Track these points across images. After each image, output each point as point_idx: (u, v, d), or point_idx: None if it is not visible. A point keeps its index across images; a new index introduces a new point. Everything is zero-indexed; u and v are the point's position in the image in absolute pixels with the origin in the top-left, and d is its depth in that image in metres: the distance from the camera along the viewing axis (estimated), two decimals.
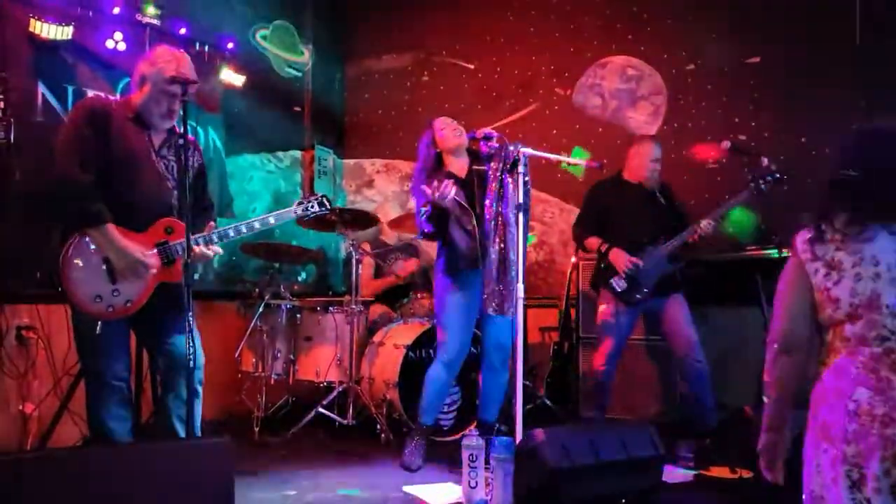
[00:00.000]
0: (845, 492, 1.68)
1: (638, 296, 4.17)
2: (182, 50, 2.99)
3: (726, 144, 4.29)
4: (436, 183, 3.46)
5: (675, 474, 3.53)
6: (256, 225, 3.05)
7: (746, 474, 3.28)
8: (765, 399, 1.97)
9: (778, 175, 4.01)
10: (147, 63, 2.89)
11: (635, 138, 4.56)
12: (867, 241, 1.77)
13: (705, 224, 4.07)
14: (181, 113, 2.79)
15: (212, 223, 3.03)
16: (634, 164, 4.36)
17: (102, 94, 4.25)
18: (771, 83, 4.97)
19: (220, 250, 2.98)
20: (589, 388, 4.43)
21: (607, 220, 4.34)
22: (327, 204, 3.24)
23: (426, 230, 3.69)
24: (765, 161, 4.17)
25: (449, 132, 3.81)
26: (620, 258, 4.16)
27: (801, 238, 1.88)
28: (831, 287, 1.79)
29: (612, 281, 4.20)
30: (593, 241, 4.32)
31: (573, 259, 5.04)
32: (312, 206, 3.20)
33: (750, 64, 5.05)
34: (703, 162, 5.09)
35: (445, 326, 3.76)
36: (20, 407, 3.81)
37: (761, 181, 4.01)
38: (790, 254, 1.93)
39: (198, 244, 2.88)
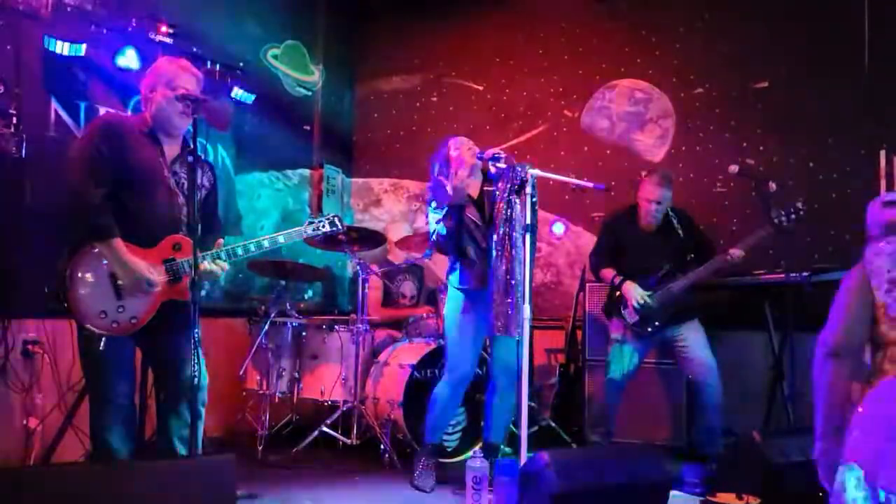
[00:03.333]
0: None
1: (650, 328, 4.15)
2: (184, 59, 3.01)
3: (734, 169, 4.27)
4: (452, 170, 3.47)
5: (680, 499, 3.50)
6: (266, 243, 3.01)
7: (753, 500, 3.24)
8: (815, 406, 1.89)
9: (802, 212, 3.91)
10: (155, 75, 2.92)
11: (646, 175, 4.39)
12: None
13: (737, 254, 3.98)
14: (191, 128, 2.81)
15: (220, 240, 3.03)
16: (639, 204, 4.27)
17: (113, 111, 4.28)
18: (779, 108, 4.98)
19: (226, 266, 2.95)
20: (594, 413, 4.39)
21: (622, 252, 4.33)
22: (339, 224, 3.21)
23: (440, 239, 3.66)
24: (772, 186, 4.15)
25: (464, 152, 3.78)
26: (633, 293, 4.15)
27: (874, 251, 1.83)
28: (891, 304, 1.75)
29: (623, 313, 4.19)
30: (607, 273, 4.31)
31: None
32: (323, 226, 3.17)
33: (758, 88, 5.06)
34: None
35: (454, 344, 3.75)
36: (24, 421, 3.80)
37: (784, 218, 3.92)
38: (859, 262, 1.87)
39: (205, 261, 2.87)
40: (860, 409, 1.79)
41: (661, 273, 4.16)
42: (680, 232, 4.25)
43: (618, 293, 4.24)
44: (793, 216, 3.92)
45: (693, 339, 4.14)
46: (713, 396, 4.05)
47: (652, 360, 4.56)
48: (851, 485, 1.72)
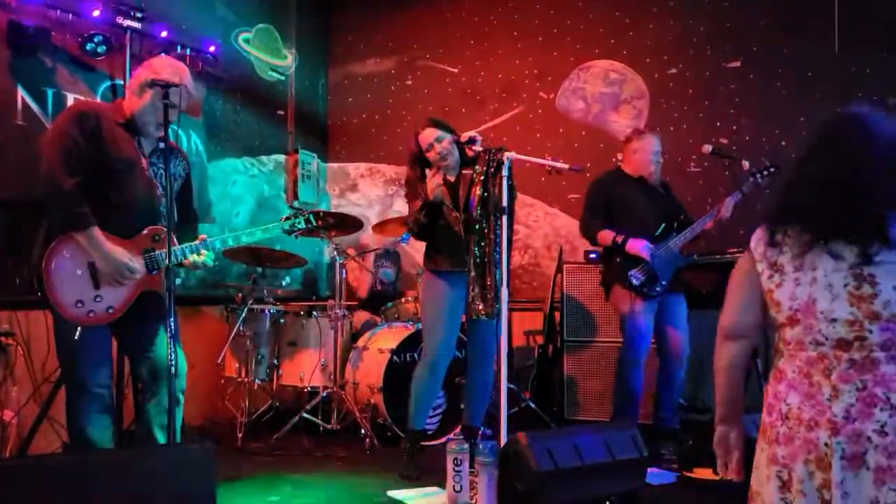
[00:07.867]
0: (776, 492, 1.73)
1: (657, 288, 4.01)
2: (181, 62, 2.99)
3: (707, 148, 4.31)
4: (430, 175, 3.56)
5: (658, 476, 3.55)
6: (244, 238, 3.14)
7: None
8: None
9: (774, 168, 4.06)
10: (150, 71, 2.87)
11: (634, 133, 4.40)
12: (809, 247, 1.76)
13: (729, 203, 4.04)
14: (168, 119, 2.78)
15: (203, 236, 3.04)
16: (637, 158, 4.22)
17: (82, 98, 4.20)
18: (751, 87, 5.03)
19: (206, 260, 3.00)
20: (619, 402, 4.16)
21: (614, 213, 4.18)
22: (314, 221, 3.30)
23: (417, 229, 3.68)
24: (745, 164, 4.20)
25: (434, 150, 3.74)
26: (640, 246, 3.99)
27: (756, 236, 1.89)
28: (774, 289, 1.81)
29: (630, 274, 3.99)
30: (607, 235, 4.08)
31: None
32: (299, 223, 3.27)
33: (731, 68, 5.10)
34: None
35: (429, 325, 3.74)
36: None
37: (758, 175, 4.07)
38: (747, 249, 1.93)
39: (185, 256, 2.90)
40: (767, 386, 1.85)
41: (657, 232, 4.09)
42: (663, 192, 4.31)
43: (620, 257, 4.06)
44: (765, 173, 4.07)
45: (678, 314, 4.14)
46: (682, 372, 4.10)
47: None
48: (763, 463, 1.80)
